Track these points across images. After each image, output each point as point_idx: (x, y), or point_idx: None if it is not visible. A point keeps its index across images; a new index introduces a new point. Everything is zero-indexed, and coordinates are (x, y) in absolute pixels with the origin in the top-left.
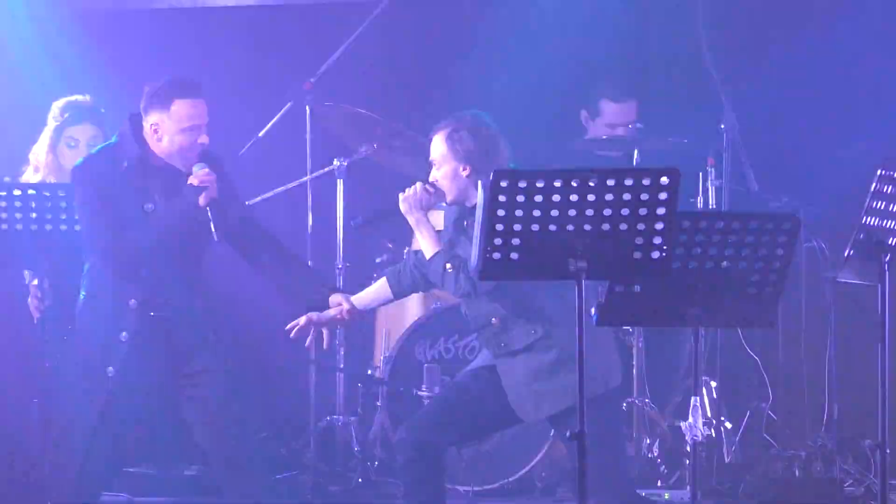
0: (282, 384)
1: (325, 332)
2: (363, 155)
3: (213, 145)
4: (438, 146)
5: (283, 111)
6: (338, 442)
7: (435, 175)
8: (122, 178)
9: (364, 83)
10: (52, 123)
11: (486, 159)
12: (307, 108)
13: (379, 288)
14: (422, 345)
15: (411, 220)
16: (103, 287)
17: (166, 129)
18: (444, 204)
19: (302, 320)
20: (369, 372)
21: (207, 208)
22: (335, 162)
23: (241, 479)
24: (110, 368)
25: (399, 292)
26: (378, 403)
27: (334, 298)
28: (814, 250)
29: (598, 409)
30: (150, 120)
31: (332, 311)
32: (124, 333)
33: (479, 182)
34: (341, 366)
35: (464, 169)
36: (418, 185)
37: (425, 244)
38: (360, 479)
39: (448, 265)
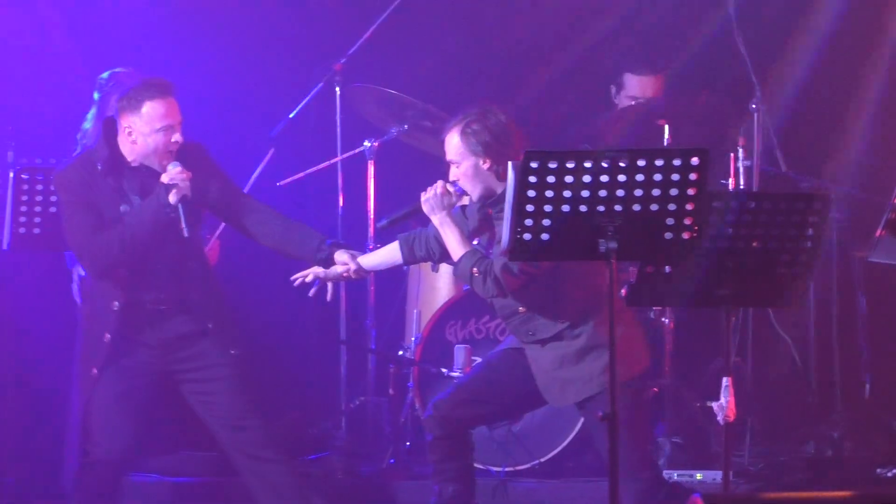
0: (313, 365)
1: (329, 285)
2: (393, 136)
3: (244, 126)
4: (454, 144)
5: (313, 93)
6: (369, 423)
7: (455, 173)
8: (100, 181)
9: (394, 64)
10: (97, 97)
11: (503, 147)
12: (337, 89)
13: (390, 251)
14: (453, 325)
15: (435, 220)
16: (92, 289)
17: (139, 130)
18: (465, 202)
19: (309, 275)
20: (400, 353)
21: (179, 206)
22: (365, 143)
23: (259, 470)
24: (94, 370)
25: (410, 259)
26: (409, 384)
27: (340, 256)
28: (844, 230)
29: (623, 394)
30: (124, 123)
31: (338, 269)
32: (107, 335)
33: (510, 163)
34: (372, 347)
35: (483, 162)
36: (439, 184)
37: (451, 245)
38: (391, 460)
39: (475, 269)
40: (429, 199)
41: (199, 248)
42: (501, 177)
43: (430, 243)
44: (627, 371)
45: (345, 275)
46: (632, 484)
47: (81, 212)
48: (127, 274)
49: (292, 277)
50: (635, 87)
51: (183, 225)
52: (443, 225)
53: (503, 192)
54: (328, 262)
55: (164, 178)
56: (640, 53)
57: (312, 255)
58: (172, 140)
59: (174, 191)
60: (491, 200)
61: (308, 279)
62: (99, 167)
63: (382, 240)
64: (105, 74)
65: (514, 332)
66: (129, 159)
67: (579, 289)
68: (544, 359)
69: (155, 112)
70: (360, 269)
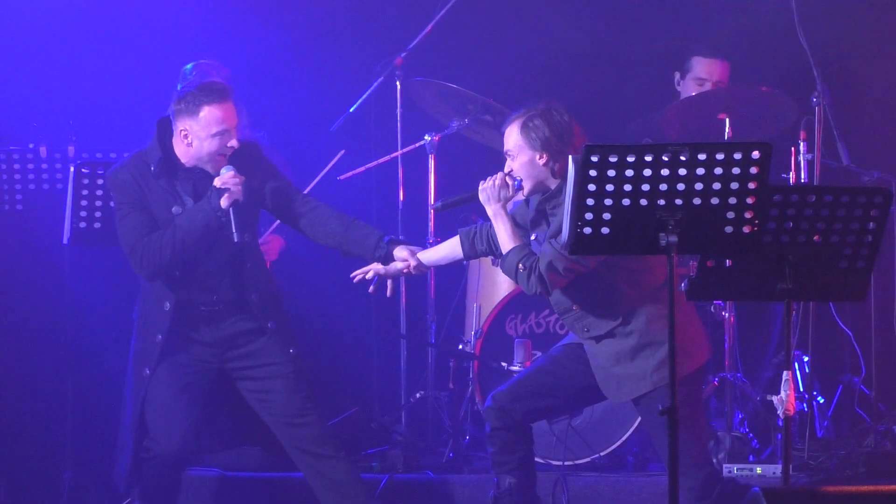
0: (373, 360)
1: (388, 282)
2: (454, 130)
3: (306, 120)
4: (513, 136)
5: (373, 87)
6: (429, 416)
7: (511, 166)
8: (153, 182)
9: (454, 58)
10: (181, 88)
11: (562, 145)
12: (398, 83)
13: (450, 246)
14: (513, 320)
15: (489, 210)
16: (145, 290)
17: (196, 134)
18: (522, 198)
19: (369, 272)
20: (460, 347)
21: (230, 210)
22: (426, 137)
23: (318, 466)
24: (146, 370)
25: (470, 254)
26: (469, 378)
27: (399, 252)
28: None
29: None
30: (180, 126)
31: (398, 265)
32: (159, 336)
33: (570, 157)
34: (432, 341)
35: (540, 157)
36: (499, 175)
37: (502, 237)
38: (451, 454)
39: (521, 265)
40: (486, 188)
41: (254, 249)
42: (557, 173)
43: (492, 239)
44: (684, 367)
45: (405, 271)
46: (687, 480)
47: (134, 212)
48: (179, 275)
49: (352, 275)
50: (703, 70)
51: (233, 230)
52: (496, 216)
53: (557, 188)
54: (387, 259)
55: (217, 182)
56: (709, 38)
57: (371, 253)
58: (228, 145)
59: (226, 195)
60: (546, 195)
61: (368, 276)
62: (152, 168)
63: (441, 230)
64: (189, 66)
65: (571, 329)
66: (182, 161)
67: (630, 286)
68: (601, 355)
69: (213, 117)
70: (420, 264)
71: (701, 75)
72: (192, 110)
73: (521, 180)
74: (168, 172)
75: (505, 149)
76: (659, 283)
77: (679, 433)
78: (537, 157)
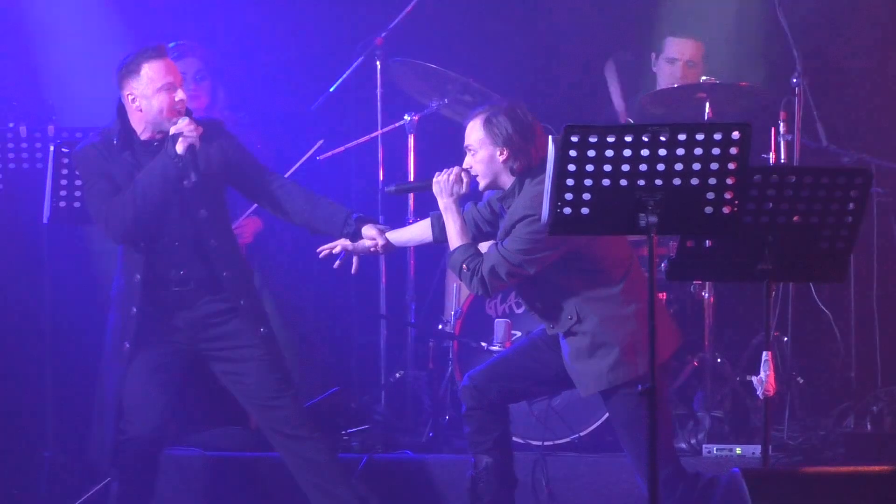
0: (352, 340)
1: (355, 259)
2: (434, 109)
3: (286, 100)
4: (476, 131)
5: (354, 66)
6: (408, 397)
7: (470, 161)
8: (117, 156)
9: (435, 38)
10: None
11: (524, 143)
12: (378, 63)
13: (421, 228)
14: (493, 300)
15: (440, 203)
16: (120, 265)
17: (142, 93)
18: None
19: (336, 248)
20: (440, 326)
21: (186, 155)
22: (406, 117)
23: (295, 447)
24: (126, 344)
25: (441, 238)
26: (449, 358)
27: (367, 231)
28: (884, 204)
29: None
30: (126, 92)
31: (366, 243)
32: (133, 308)
33: (550, 138)
34: (412, 321)
35: (501, 153)
36: (455, 170)
37: (450, 233)
38: (430, 434)
39: (465, 266)
40: (440, 181)
41: (219, 226)
42: (515, 171)
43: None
44: (637, 368)
45: (372, 249)
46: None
47: (100, 181)
48: (145, 246)
49: (318, 249)
50: (673, 50)
51: (191, 174)
52: (446, 210)
53: (511, 188)
54: (355, 237)
55: (172, 130)
56: (680, 16)
57: (339, 230)
58: (176, 99)
59: (181, 139)
60: (501, 194)
61: (335, 251)
62: (115, 142)
63: (421, 211)
64: (170, 45)
65: (540, 322)
66: (139, 132)
67: (583, 286)
68: (565, 349)
69: (154, 72)
70: (387, 244)
71: (671, 55)
72: (133, 70)
73: (479, 176)
74: (130, 146)
75: (465, 143)
76: (615, 282)
77: (641, 433)
78: (498, 153)
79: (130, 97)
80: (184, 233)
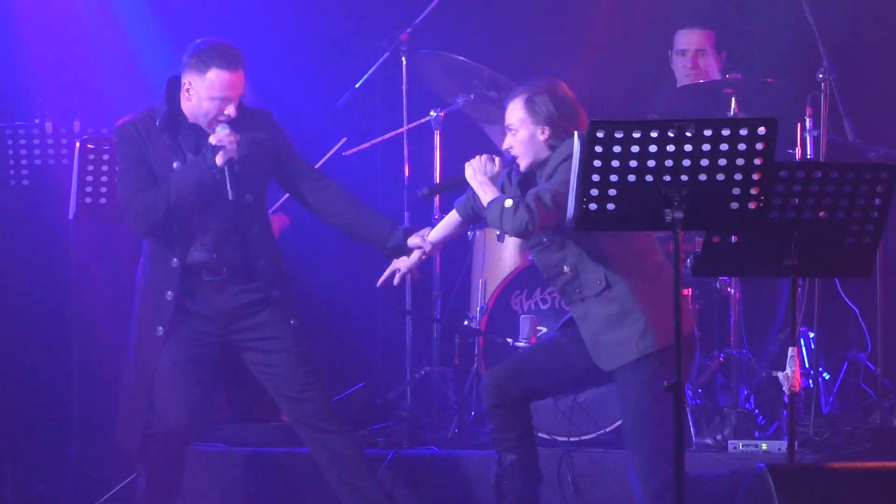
0: (378, 336)
1: (407, 273)
2: (459, 106)
3: (311, 97)
4: (517, 111)
5: (379, 62)
6: (434, 393)
7: (510, 141)
8: (156, 137)
9: (460, 34)
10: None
11: (566, 122)
12: (403, 59)
13: (450, 218)
14: (518, 295)
15: (475, 184)
16: (154, 248)
17: (197, 91)
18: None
19: (396, 278)
20: (465, 323)
21: (224, 168)
22: (431, 113)
23: (322, 441)
24: (160, 328)
25: (469, 217)
26: (474, 354)
27: (413, 240)
28: None
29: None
30: (186, 79)
31: (416, 254)
32: (170, 293)
33: (576, 133)
34: (438, 317)
35: (542, 132)
36: (483, 156)
37: (487, 197)
38: (456, 430)
39: (507, 201)
40: (472, 164)
41: (260, 214)
42: (550, 147)
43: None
44: (665, 336)
45: (423, 258)
46: (652, 478)
47: (134, 168)
48: (178, 231)
49: (378, 284)
50: (681, 41)
51: (228, 187)
52: (482, 185)
53: (546, 158)
54: (400, 249)
55: (212, 140)
56: (689, 8)
57: (384, 241)
58: (225, 112)
59: (221, 153)
60: (536, 165)
61: (395, 282)
62: (157, 122)
63: (446, 206)
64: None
65: (562, 293)
66: (186, 115)
67: (617, 246)
68: (591, 319)
69: (218, 81)
70: (433, 247)
71: (680, 47)
72: (201, 69)
73: (516, 156)
74: (172, 127)
75: (506, 123)
76: (644, 254)
77: (644, 420)
78: (539, 132)
79: (186, 85)
80: (224, 221)
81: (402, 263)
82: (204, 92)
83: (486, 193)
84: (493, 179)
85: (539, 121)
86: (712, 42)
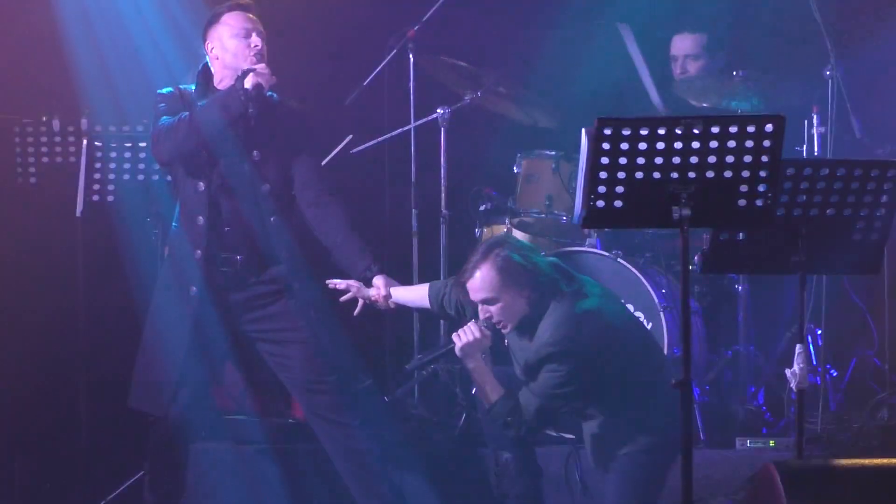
0: (385, 332)
1: (360, 301)
2: (467, 102)
3: (320, 93)
4: (490, 279)
5: (386, 59)
6: (441, 390)
7: (490, 312)
8: (192, 104)
9: (468, 30)
10: None
11: (532, 277)
12: (410, 56)
13: (419, 293)
14: None
15: (468, 365)
16: (179, 211)
17: (220, 42)
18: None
19: (349, 290)
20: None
21: (252, 93)
22: (438, 110)
23: (334, 433)
24: (193, 288)
25: (440, 314)
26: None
27: (377, 281)
28: None
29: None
30: (209, 44)
31: (371, 292)
32: (198, 252)
33: (583, 130)
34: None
35: (523, 291)
36: (473, 328)
37: (484, 390)
38: (463, 427)
39: (509, 419)
40: (464, 345)
41: (280, 204)
42: (532, 304)
43: (460, 305)
44: None
45: (374, 298)
46: None
47: (169, 108)
48: (206, 222)
49: (329, 281)
50: (673, 48)
51: (249, 108)
52: (476, 371)
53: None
54: (368, 283)
55: (245, 64)
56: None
57: (357, 275)
58: (252, 44)
59: (251, 75)
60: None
61: (343, 286)
62: (193, 96)
63: (452, 203)
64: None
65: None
66: (216, 82)
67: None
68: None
69: (234, 20)
70: (388, 297)
71: (672, 52)
72: (216, 21)
73: (504, 324)
74: (206, 94)
75: (481, 297)
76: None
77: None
78: (520, 292)
79: (211, 47)
80: (244, 206)
81: (355, 286)
82: (227, 35)
83: (482, 382)
84: (487, 353)
85: (520, 280)
86: (702, 44)
